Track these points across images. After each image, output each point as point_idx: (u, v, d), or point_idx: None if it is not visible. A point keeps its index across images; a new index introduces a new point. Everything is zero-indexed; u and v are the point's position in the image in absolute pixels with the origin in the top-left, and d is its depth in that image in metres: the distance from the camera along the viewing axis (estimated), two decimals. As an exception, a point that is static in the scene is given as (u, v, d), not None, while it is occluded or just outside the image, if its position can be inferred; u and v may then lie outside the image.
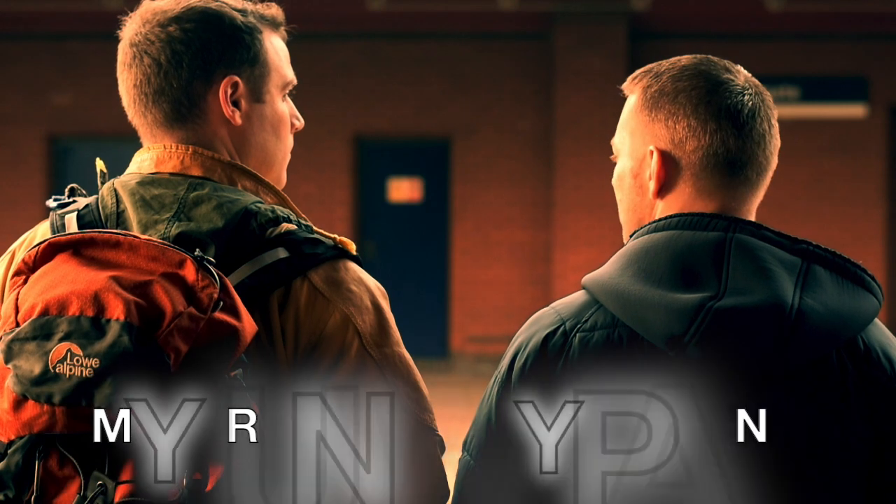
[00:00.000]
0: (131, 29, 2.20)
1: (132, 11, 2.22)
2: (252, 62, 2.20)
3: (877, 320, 2.10)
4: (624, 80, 2.24)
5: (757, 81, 2.18)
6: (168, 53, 2.15)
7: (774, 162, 2.17)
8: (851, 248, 15.12)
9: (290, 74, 2.26)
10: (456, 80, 16.04)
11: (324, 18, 15.30)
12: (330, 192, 15.99)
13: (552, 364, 2.09)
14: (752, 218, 2.15)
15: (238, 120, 2.19)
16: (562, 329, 2.11)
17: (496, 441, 2.11)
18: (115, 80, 2.23)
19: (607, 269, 2.12)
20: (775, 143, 2.16)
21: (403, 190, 16.40)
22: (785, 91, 15.48)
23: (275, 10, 2.26)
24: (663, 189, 2.15)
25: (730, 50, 13.13)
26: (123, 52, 2.20)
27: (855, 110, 15.81)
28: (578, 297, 2.15)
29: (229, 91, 2.18)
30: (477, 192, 16.05)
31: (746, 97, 2.13)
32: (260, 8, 2.24)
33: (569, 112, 15.43)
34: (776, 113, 2.19)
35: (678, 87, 2.14)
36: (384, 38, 16.03)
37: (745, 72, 2.19)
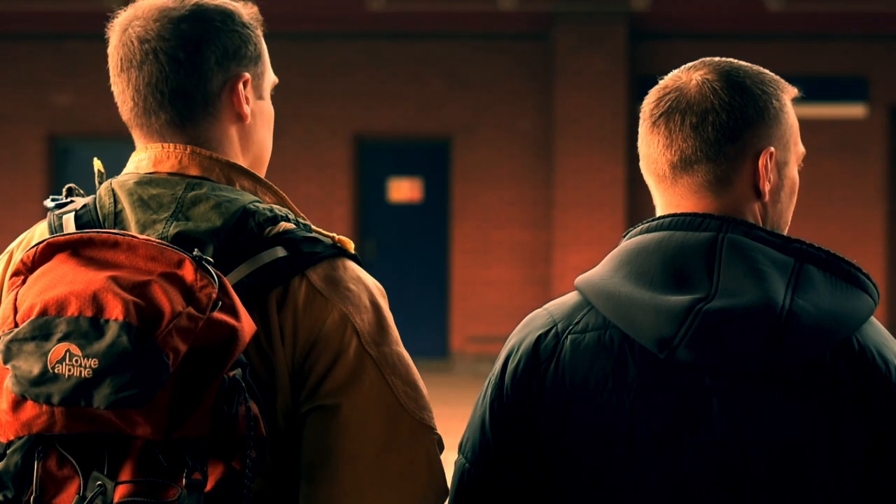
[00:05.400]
0: (139, 26, 2.14)
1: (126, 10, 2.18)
2: (256, 60, 2.20)
3: (873, 319, 2.09)
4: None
5: (724, 77, 2.09)
6: (188, 50, 2.12)
7: (740, 156, 2.08)
8: (851, 248, 15.10)
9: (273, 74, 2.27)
10: (456, 80, 16.04)
11: (324, 18, 15.29)
12: (330, 192, 15.97)
13: (544, 366, 2.09)
14: (764, 214, 2.11)
15: (249, 117, 2.18)
16: (553, 331, 2.11)
17: (491, 443, 2.11)
18: None
19: (599, 270, 2.12)
20: (729, 138, 2.07)
21: (403, 190, 16.40)
22: (785, 91, 15.46)
23: (255, 9, 2.25)
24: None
25: (729, 50, 13.09)
26: (129, 49, 2.14)
27: (855, 110, 15.79)
28: (571, 297, 2.15)
29: (242, 88, 2.17)
30: (477, 192, 16.05)
31: (680, 98, 2.09)
32: (249, 5, 2.23)
33: (569, 112, 15.42)
34: (753, 96, 2.08)
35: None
36: (384, 38, 16.03)
37: (714, 65, 2.10)
